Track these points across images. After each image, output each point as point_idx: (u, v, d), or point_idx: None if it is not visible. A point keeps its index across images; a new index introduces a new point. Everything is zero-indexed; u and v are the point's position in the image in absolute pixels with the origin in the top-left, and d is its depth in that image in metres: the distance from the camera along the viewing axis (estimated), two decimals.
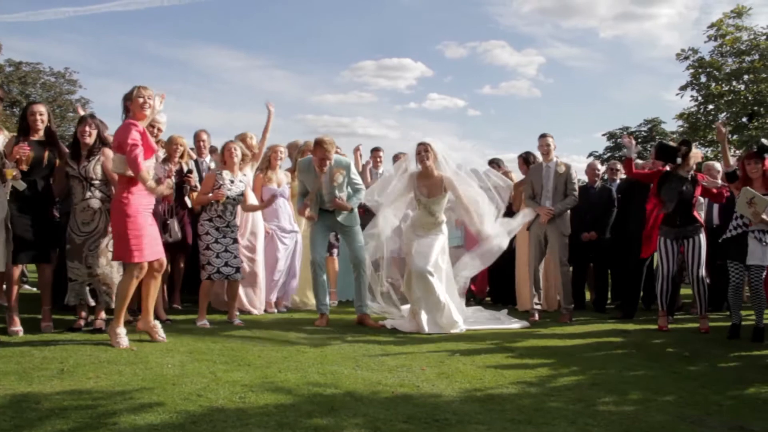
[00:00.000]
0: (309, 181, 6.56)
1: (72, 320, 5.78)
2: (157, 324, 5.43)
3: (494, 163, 8.29)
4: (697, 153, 6.63)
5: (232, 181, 6.33)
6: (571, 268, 7.57)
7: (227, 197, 6.23)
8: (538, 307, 7.28)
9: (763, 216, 5.83)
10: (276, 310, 7.20)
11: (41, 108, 5.66)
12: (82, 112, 7.04)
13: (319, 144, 6.39)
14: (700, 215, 6.77)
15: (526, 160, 8.05)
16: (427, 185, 6.41)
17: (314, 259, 6.60)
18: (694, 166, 6.58)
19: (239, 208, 6.56)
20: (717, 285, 7.09)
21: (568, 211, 7.38)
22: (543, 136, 7.37)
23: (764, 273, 6.02)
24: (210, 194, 6.21)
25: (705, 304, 6.53)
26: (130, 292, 5.21)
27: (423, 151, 6.35)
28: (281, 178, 7.37)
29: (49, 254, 5.69)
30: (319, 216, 6.58)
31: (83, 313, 5.75)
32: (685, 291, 8.09)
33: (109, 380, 4.08)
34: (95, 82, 50.71)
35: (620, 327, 6.74)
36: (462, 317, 6.41)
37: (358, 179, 6.71)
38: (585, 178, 8.50)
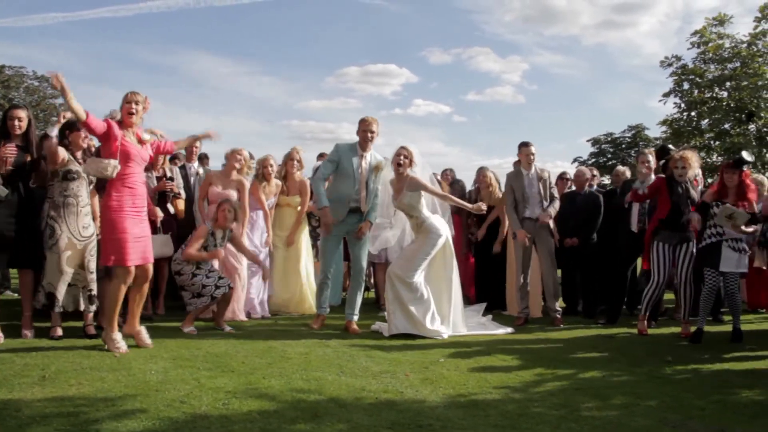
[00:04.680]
0: (347, 164, 6.46)
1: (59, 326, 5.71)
2: (143, 329, 5.41)
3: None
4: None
5: (223, 238, 6.37)
6: (559, 272, 7.58)
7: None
8: (526, 312, 7.30)
9: (743, 228, 6.00)
10: (259, 316, 7.15)
11: (21, 113, 5.49)
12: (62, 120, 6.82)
13: (363, 120, 6.54)
14: None
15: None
16: (397, 187, 6.41)
17: (324, 270, 6.65)
18: (689, 176, 6.46)
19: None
20: (697, 290, 7.14)
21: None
22: (526, 145, 7.28)
23: (738, 279, 6.16)
24: (204, 254, 6.23)
25: (689, 308, 6.57)
26: (120, 297, 5.19)
27: (402, 157, 6.30)
28: (272, 190, 7.36)
29: (30, 259, 5.61)
30: (340, 220, 6.51)
31: (89, 318, 5.69)
32: (668, 296, 8.15)
33: (92, 387, 4.05)
34: (82, 87, 50.42)
35: (604, 332, 6.78)
36: (449, 328, 6.35)
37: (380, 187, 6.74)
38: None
